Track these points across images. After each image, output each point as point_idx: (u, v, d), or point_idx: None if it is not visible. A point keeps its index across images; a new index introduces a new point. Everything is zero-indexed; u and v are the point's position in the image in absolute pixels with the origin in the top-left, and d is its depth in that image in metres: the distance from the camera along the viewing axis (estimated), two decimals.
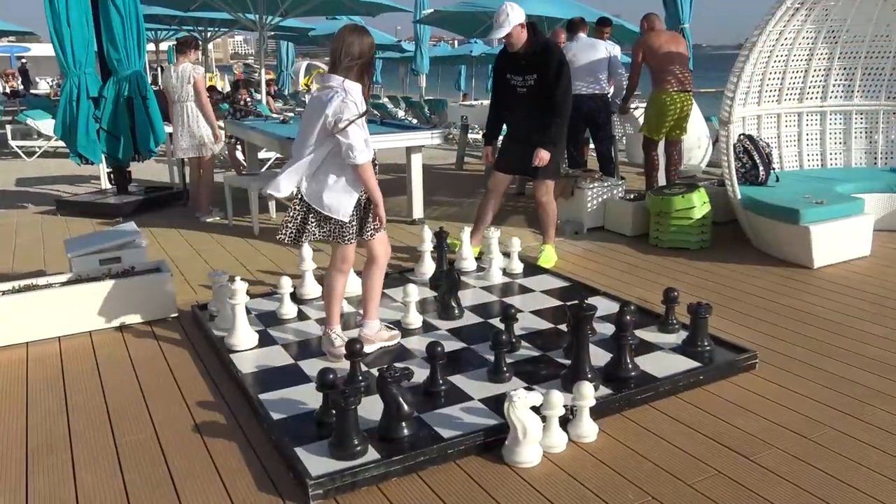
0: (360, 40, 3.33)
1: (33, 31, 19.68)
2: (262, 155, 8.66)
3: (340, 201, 3.39)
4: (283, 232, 3.47)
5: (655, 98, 6.75)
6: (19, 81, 24.35)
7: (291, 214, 3.47)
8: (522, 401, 2.66)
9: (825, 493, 2.51)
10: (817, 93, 6.47)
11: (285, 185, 3.41)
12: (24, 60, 27.64)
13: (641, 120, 7.39)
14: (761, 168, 5.79)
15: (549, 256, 5.19)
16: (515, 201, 7.53)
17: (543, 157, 4.88)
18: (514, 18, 4.71)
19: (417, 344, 3.75)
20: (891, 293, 4.52)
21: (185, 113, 6.67)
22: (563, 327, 3.89)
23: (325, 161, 3.37)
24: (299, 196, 3.46)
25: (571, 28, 7.35)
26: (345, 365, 3.23)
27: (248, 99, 9.52)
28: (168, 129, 7.57)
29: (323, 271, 4.69)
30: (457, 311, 4.11)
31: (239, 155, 8.95)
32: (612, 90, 7.28)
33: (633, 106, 8.25)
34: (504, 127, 5.35)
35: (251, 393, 3.20)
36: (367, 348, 3.55)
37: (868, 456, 2.73)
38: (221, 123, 8.25)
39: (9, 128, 12.39)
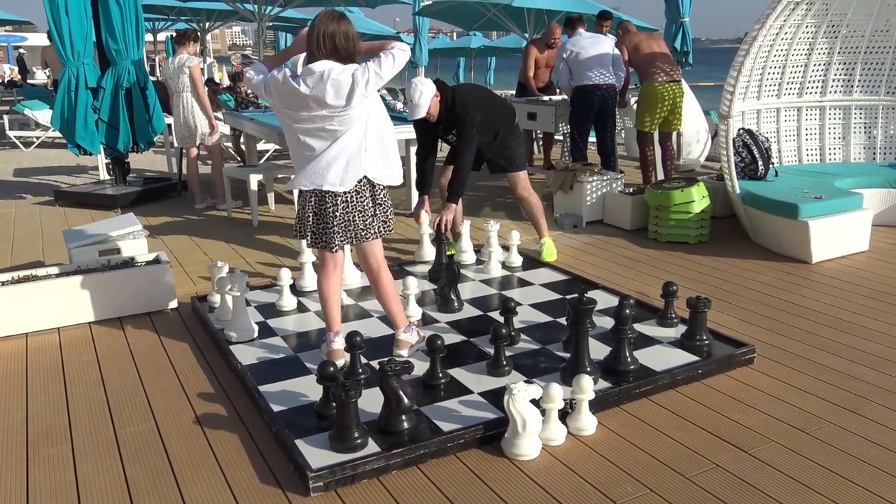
0: (350, 29, 3.16)
1: (31, 20, 19.59)
2: (260, 146, 8.65)
3: (393, 165, 3.32)
4: (336, 242, 3.28)
5: (646, 91, 6.89)
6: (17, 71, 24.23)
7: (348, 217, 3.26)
8: (522, 394, 2.67)
9: (823, 488, 2.52)
10: (817, 87, 6.47)
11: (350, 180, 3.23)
12: (21, 50, 27.49)
13: (637, 114, 7.42)
14: (760, 163, 5.80)
15: (551, 250, 5.17)
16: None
17: (447, 218, 4.56)
18: (427, 94, 4.45)
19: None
20: (889, 288, 4.53)
21: (182, 103, 6.70)
22: (563, 320, 3.90)
23: (367, 135, 3.22)
24: (349, 192, 3.24)
25: (570, 24, 7.37)
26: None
27: (250, 91, 9.50)
28: (168, 119, 7.56)
29: None
30: (456, 304, 4.12)
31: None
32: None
33: (633, 99, 8.25)
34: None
35: (251, 384, 3.21)
36: (405, 351, 3.50)
37: (866, 450, 2.74)
38: (220, 114, 8.25)
39: (6, 118, 12.35)
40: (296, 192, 3.54)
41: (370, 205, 3.30)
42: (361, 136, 3.19)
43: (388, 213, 3.40)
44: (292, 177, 3.35)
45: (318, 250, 3.41)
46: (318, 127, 3.15)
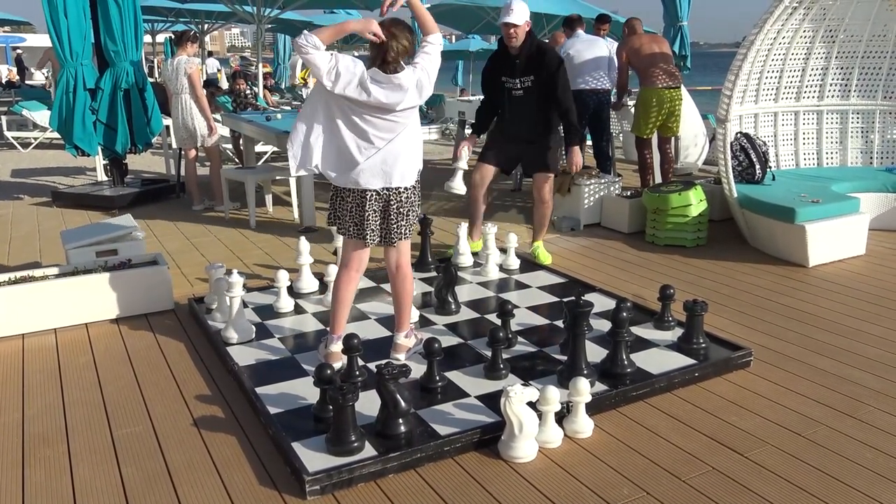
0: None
1: (29, 21, 19.58)
2: (259, 148, 8.65)
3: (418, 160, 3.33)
4: (370, 237, 3.27)
5: (644, 96, 6.90)
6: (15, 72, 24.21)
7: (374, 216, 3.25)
8: (519, 396, 2.67)
9: (819, 491, 2.53)
10: (814, 92, 6.49)
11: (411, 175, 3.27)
12: (19, 51, 27.47)
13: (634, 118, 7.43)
14: (758, 166, 5.81)
15: (545, 253, 5.19)
16: (513, 198, 7.53)
17: (578, 161, 4.94)
18: (523, 11, 4.64)
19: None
20: (885, 292, 4.54)
21: (181, 105, 6.70)
22: (560, 323, 3.90)
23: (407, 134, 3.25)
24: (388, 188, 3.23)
25: (569, 24, 7.37)
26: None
27: (248, 91, 9.46)
28: (166, 121, 7.56)
29: (321, 266, 4.70)
30: (453, 307, 4.12)
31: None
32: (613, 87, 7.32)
33: (630, 103, 8.26)
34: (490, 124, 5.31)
35: (248, 386, 3.21)
36: (403, 356, 3.50)
37: (862, 454, 2.75)
38: (218, 116, 8.25)
39: (4, 119, 12.34)
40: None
41: (417, 200, 3.36)
42: (416, 130, 3.27)
43: (417, 211, 3.42)
44: (332, 173, 3.23)
45: (347, 251, 3.38)
46: (385, 121, 3.13)
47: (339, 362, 3.38)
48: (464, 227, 5.08)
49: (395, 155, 3.18)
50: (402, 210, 3.27)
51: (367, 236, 3.26)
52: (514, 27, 4.64)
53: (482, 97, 5.21)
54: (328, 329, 3.52)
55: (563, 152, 5.12)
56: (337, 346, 3.39)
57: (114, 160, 7.34)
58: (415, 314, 3.98)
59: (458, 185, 4.96)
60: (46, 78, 19.50)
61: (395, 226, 3.27)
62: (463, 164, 5.02)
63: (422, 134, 3.39)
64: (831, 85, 6.47)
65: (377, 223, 3.26)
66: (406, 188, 3.25)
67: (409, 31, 3.16)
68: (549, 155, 4.98)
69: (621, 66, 6.96)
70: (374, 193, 3.21)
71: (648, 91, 6.82)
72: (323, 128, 3.18)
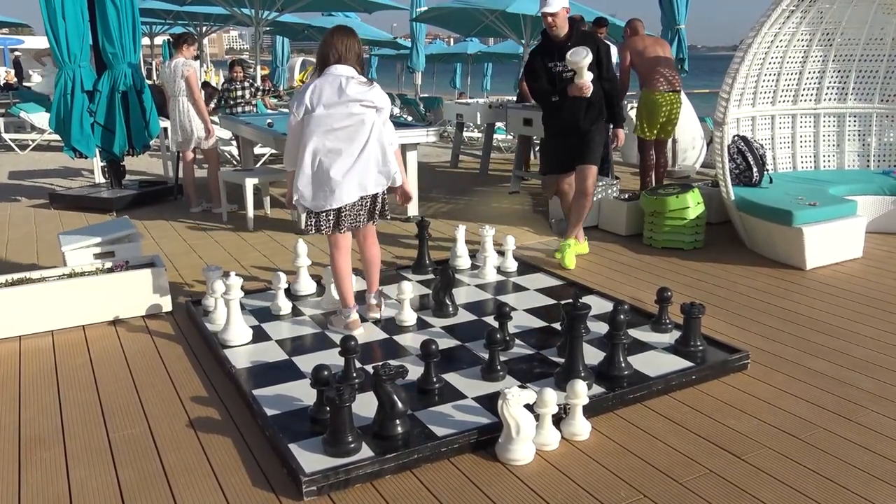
0: (358, 42, 3.62)
1: (27, 23, 19.59)
2: (257, 150, 8.63)
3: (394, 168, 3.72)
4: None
5: (646, 98, 6.88)
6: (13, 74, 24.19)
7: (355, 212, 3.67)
8: (516, 398, 2.67)
9: (816, 493, 2.53)
10: (811, 95, 6.50)
11: (373, 187, 3.65)
12: (17, 53, 27.47)
13: (636, 120, 7.43)
14: (755, 169, 5.82)
15: (572, 255, 5.07)
16: (511, 200, 7.54)
17: (622, 138, 5.10)
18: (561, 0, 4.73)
19: (411, 341, 3.75)
20: (882, 295, 4.55)
21: (178, 108, 6.70)
22: (557, 326, 3.90)
23: (374, 143, 3.60)
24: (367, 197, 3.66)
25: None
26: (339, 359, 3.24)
27: (247, 81, 9.13)
28: (164, 123, 7.55)
29: (319, 268, 4.70)
30: (451, 309, 4.12)
31: (234, 150, 8.89)
32: None
33: (629, 106, 8.27)
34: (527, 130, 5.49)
35: (245, 388, 3.21)
36: (378, 314, 4.00)
37: (859, 456, 2.75)
38: (216, 118, 8.24)
39: (1, 121, 12.33)
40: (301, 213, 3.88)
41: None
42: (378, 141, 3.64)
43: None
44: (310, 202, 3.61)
45: (335, 237, 3.72)
46: (353, 122, 3.51)
47: (360, 329, 3.80)
48: (461, 229, 5.09)
49: (365, 166, 3.57)
50: (377, 209, 3.74)
51: (348, 227, 3.71)
52: (553, 16, 4.73)
53: (534, 92, 5.20)
54: (339, 306, 3.90)
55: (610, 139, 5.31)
56: (354, 315, 3.80)
57: (111, 162, 7.34)
58: (412, 316, 3.99)
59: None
60: (42, 77, 19.47)
61: (374, 217, 3.77)
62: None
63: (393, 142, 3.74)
64: (828, 88, 6.48)
65: (362, 220, 3.73)
66: (378, 194, 3.70)
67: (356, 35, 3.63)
68: (594, 148, 5.07)
69: (623, 68, 6.92)
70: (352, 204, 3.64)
71: (651, 94, 6.82)
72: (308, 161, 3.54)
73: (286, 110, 10.03)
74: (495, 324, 3.64)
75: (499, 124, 9.60)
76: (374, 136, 3.55)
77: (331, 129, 3.47)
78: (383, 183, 3.67)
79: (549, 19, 4.79)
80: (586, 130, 5.01)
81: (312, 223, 3.63)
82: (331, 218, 3.59)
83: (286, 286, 4.30)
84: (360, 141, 3.50)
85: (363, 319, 3.95)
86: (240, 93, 8.76)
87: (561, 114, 5.08)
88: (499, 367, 3.30)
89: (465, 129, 11.34)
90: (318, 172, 3.50)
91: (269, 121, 7.12)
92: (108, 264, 4.37)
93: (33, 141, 11.99)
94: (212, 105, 8.90)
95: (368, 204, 3.67)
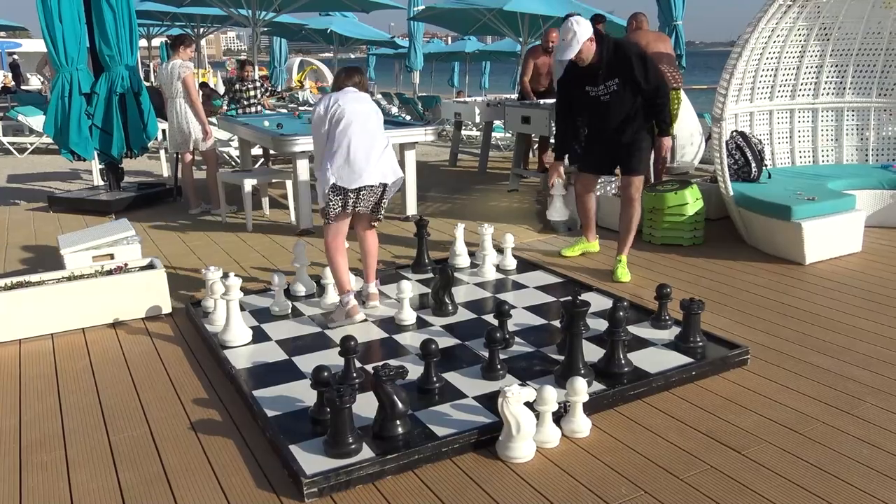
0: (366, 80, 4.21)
1: (24, 26, 19.59)
2: (255, 151, 8.62)
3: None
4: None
5: None
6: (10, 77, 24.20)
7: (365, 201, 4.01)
8: (516, 396, 2.67)
9: (816, 488, 2.53)
10: (809, 90, 6.50)
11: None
12: (15, 56, 27.46)
13: None
14: (753, 165, 5.82)
15: (626, 269, 4.87)
16: (510, 198, 7.54)
17: (667, 146, 4.93)
18: (581, 35, 4.48)
19: (411, 340, 3.76)
20: (882, 289, 4.55)
21: (175, 109, 6.69)
22: (557, 323, 3.90)
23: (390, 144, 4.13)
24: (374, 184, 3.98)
25: None
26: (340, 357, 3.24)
27: (257, 79, 9.09)
28: (162, 125, 7.55)
29: (318, 269, 4.70)
30: (450, 308, 4.12)
31: (233, 152, 8.88)
32: None
33: None
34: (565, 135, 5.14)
35: (245, 389, 3.21)
36: (377, 302, 4.19)
37: (859, 451, 2.75)
38: (214, 120, 8.23)
39: (0, 124, 12.33)
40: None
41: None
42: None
43: None
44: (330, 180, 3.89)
45: (337, 222, 4.00)
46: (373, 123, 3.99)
47: (361, 313, 3.98)
48: (461, 228, 5.09)
49: (386, 160, 4.03)
50: (382, 201, 4.08)
51: (363, 208, 4.02)
52: (577, 55, 4.54)
53: (558, 119, 5.04)
54: (338, 294, 4.08)
55: (571, 154, 5.18)
56: (353, 300, 3.98)
57: (110, 165, 7.34)
58: (411, 315, 3.99)
59: (558, 213, 5.30)
60: (42, 83, 19.49)
61: (378, 209, 4.12)
62: (559, 190, 5.09)
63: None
64: (826, 83, 6.48)
65: (370, 207, 4.09)
66: (387, 185, 4.05)
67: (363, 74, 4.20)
68: (639, 156, 4.86)
69: None
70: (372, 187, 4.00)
71: None
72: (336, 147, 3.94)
73: (285, 111, 10.04)
74: (495, 322, 3.64)
75: (497, 122, 9.60)
76: (387, 140, 4.14)
77: (363, 126, 3.95)
78: (392, 179, 4.05)
79: (575, 58, 4.60)
80: (630, 142, 4.81)
81: (339, 201, 3.95)
82: (350, 196, 3.94)
83: (286, 286, 4.30)
84: (382, 140, 4.04)
85: (362, 304, 4.14)
86: (252, 92, 8.76)
87: (598, 133, 4.93)
88: (499, 366, 3.30)
89: (463, 127, 11.34)
90: (351, 157, 3.92)
91: (278, 122, 7.11)
92: (108, 266, 4.37)
93: (32, 144, 11.99)
94: (223, 104, 8.91)
95: (380, 193, 4.04)
